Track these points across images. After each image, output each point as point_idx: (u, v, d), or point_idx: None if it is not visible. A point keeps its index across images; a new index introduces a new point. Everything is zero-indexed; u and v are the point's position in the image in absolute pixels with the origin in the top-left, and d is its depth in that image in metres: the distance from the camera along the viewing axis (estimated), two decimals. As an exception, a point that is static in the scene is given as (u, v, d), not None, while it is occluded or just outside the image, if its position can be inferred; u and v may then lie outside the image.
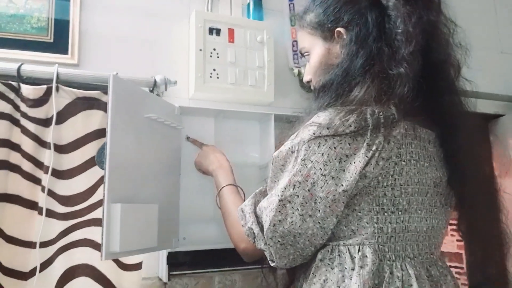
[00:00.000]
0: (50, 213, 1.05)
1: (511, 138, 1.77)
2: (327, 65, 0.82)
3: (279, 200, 0.69)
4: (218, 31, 1.32)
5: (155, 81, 1.20)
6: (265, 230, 0.71)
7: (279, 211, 0.69)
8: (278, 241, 0.71)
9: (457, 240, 2.82)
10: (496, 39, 1.89)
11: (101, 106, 1.13)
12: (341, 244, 0.71)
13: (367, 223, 0.70)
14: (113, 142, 0.88)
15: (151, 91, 1.19)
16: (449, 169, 0.77)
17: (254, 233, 0.75)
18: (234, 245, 0.83)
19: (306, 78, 0.91)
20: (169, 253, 1.13)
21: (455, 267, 2.86)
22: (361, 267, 0.67)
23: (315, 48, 0.86)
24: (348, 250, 0.70)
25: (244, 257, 0.84)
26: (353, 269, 0.68)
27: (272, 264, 0.74)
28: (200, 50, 1.29)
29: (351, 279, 0.67)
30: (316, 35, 0.86)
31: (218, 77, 1.30)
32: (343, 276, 0.69)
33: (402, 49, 0.71)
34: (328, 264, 0.71)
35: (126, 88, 0.96)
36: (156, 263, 1.19)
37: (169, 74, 1.23)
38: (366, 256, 0.68)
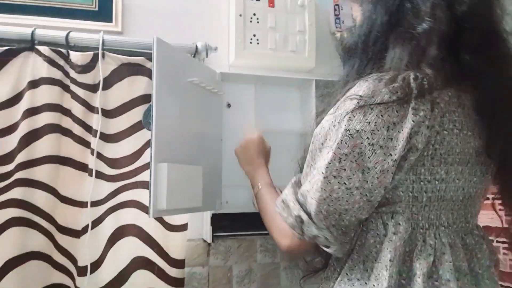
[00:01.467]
0: (100, 175, 1.10)
1: None
2: (355, 27, 0.79)
3: (324, 177, 0.65)
4: (258, -4, 1.30)
5: (197, 47, 1.21)
6: (313, 214, 0.67)
7: (324, 189, 0.65)
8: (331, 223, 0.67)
9: (506, 215, 2.71)
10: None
11: (145, 72, 1.15)
12: (375, 211, 0.69)
13: (402, 192, 0.67)
14: (159, 104, 0.90)
15: (193, 57, 1.20)
16: (488, 138, 0.71)
17: (302, 220, 0.69)
18: (277, 243, 0.78)
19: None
20: (213, 215, 1.16)
21: (503, 242, 2.77)
22: (394, 233, 0.66)
23: (356, 14, 0.82)
24: (381, 217, 0.68)
25: (289, 255, 0.82)
26: (385, 235, 0.67)
27: (330, 251, 0.70)
28: (240, 15, 1.28)
29: (382, 245, 0.66)
30: (355, 1, 0.83)
31: (258, 43, 1.29)
32: (374, 241, 0.68)
33: (423, 2, 0.67)
34: (363, 229, 0.70)
35: (169, 51, 0.97)
36: (200, 226, 1.23)
37: (210, 40, 1.24)
38: (399, 224, 0.67)
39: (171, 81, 0.96)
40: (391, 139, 0.63)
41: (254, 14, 1.29)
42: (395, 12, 0.70)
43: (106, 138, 1.11)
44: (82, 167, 1.10)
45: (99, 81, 1.11)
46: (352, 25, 0.86)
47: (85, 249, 1.05)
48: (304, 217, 0.69)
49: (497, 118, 0.71)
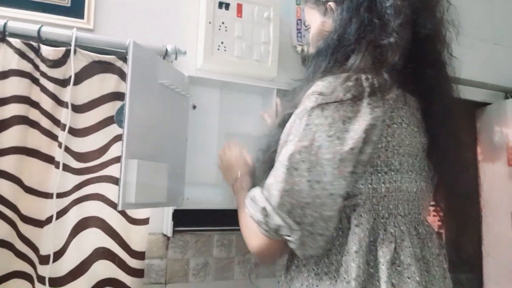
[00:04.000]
0: (66, 168, 1.13)
1: (496, 126, 1.88)
2: (322, 35, 0.88)
3: (286, 169, 0.68)
4: (227, 6, 1.38)
5: (167, 50, 1.26)
6: (276, 204, 0.69)
7: (286, 181, 0.68)
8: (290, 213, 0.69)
9: (438, 220, 2.98)
10: (491, 30, 1.97)
11: (116, 70, 1.20)
12: None
13: (362, 185, 0.73)
14: (131, 104, 0.95)
15: (162, 59, 1.26)
16: (429, 139, 0.82)
17: (267, 212, 0.70)
18: (249, 246, 0.78)
19: (310, 50, 0.97)
20: (175, 210, 1.22)
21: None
22: (356, 225, 0.71)
23: (313, 21, 0.93)
24: (344, 211, 0.73)
25: (259, 257, 0.79)
26: (349, 229, 0.72)
27: (293, 246, 0.71)
28: (210, 22, 1.35)
29: (347, 238, 0.72)
30: (315, 9, 0.92)
31: (225, 50, 1.37)
32: (337, 235, 0.73)
33: (392, 21, 0.77)
34: None
35: (143, 54, 1.03)
36: (160, 220, 1.29)
37: (179, 44, 1.30)
38: (361, 216, 0.72)
39: (144, 82, 1.02)
40: (347, 131, 0.69)
41: (223, 23, 1.37)
42: (365, 25, 0.79)
43: (74, 132, 1.15)
44: (48, 159, 1.12)
45: (70, 76, 1.14)
46: (306, 28, 0.95)
47: (49, 239, 1.08)
48: (268, 208, 0.70)
49: (437, 127, 0.82)
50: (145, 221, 1.20)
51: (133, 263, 1.18)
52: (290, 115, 0.76)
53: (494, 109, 1.89)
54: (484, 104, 1.92)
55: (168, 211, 1.24)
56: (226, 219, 1.27)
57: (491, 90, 1.88)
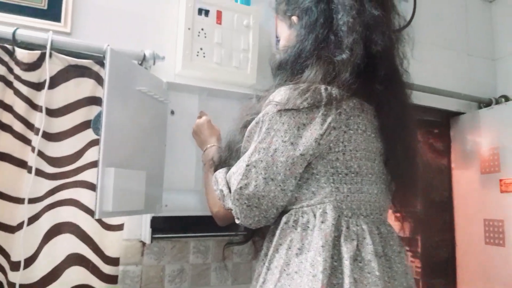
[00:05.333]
0: (39, 173, 1.11)
1: (469, 135, 1.93)
2: (286, 47, 0.94)
3: (246, 165, 0.79)
4: (206, 12, 1.38)
5: (144, 55, 1.26)
6: (232, 192, 0.81)
7: (245, 175, 0.79)
8: (245, 202, 0.80)
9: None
10: (464, 41, 2.03)
11: (92, 75, 1.19)
12: (304, 205, 0.80)
13: (325, 184, 0.79)
14: (109, 111, 0.95)
15: (140, 64, 1.26)
16: (385, 145, 0.87)
17: (224, 194, 0.85)
18: (209, 209, 0.94)
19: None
20: (153, 217, 1.22)
21: (411, 250, 3.08)
22: (322, 222, 0.77)
23: (282, 34, 1.00)
24: (312, 210, 0.79)
25: (216, 220, 0.93)
26: (314, 226, 0.77)
27: (238, 222, 0.84)
28: (189, 29, 1.35)
29: (313, 234, 0.76)
30: (283, 22, 0.99)
31: (204, 56, 1.37)
32: (306, 233, 0.78)
33: (345, 38, 0.83)
34: (293, 225, 0.80)
35: (120, 60, 1.02)
36: (137, 226, 1.28)
37: (157, 49, 1.29)
38: (326, 213, 0.78)
39: (121, 89, 1.02)
40: (301, 137, 0.78)
41: (202, 29, 1.37)
42: (322, 41, 0.86)
43: (48, 136, 1.13)
44: (21, 163, 1.10)
45: (45, 80, 1.12)
46: (276, 40, 1.01)
47: (20, 245, 1.06)
48: (226, 192, 0.85)
49: (392, 137, 0.87)
50: (119, 227, 1.19)
51: (107, 269, 1.16)
52: (252, 120, 0.85)
53: (467, 118, 1.95)
54: (458, 114, 1.97)
55: (146, 218, 1.23)
56: (204, 225, 1.27)
57: (465, 100, 1.93)
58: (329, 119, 0.78)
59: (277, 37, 1.05)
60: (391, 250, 0.83)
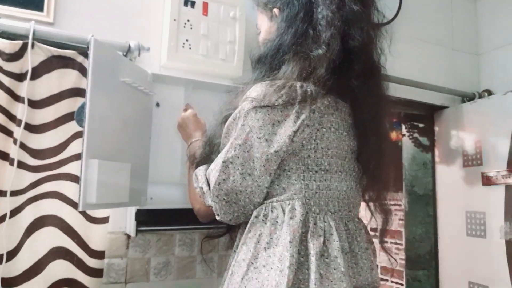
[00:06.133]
0: (21, 165, 1.09)
1: (453, 129, 1.96)
2: (267, 40, 0.93)
3: (223, 162, 0.80)
4: (192, 3, 1.37)
5: (129, 46, 1.24)
6: (211, 188, 0.81)
7: (223, 171, 0.80)
8: (224, 198, 0.81)
9: (399, 219, 3.08)
10: (449, 36, 2.06)
11: (76, 66, 1.17)
12: (274, 201, 0.81)
13: (295, 180, 0.81)
14: (92, 103, 0.94)
15: (124, 55, 1.24)
16: (358, 142, 0.89)
17: (204, 191, 0.85)
18: (192, 206, 0.94)
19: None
20: (137, 210, 1.20)
21: (396, 243, 3.13)
22: (290, 218, 0.78)
23: (262, 26, 0.99)
24: (281, 205, 0.80)
25: (198, 217, 0.94)
26: (283, 221, 0.78)
27: (218, 218, 0.84)
28: (174, 20, 1.34)
29: (281, 230, 0.78)
30: (264, 14, 0.98)
31: (190, 48, 1.36)
32: (275, 228, 0.79)
33: (323, 32, 0.83)
34: (262, 220, 0.81)
35: (104, 51, 1.01)
36: (122, 219, 1.27)
37: (142, 40, 1.28)
38: (295, 209, 0.79)
39: (105, 81, 1.00)
40: (275, 133, 0.79)
41: (188, 20, 1.36)
42: (301, 35, 0.85)
43: (31, 128, 1.11)
44: (2, 156, 1.08)
45: (27, 71, 1.10)
46: (257, 32, 1.00)
47: (2, 238, 1.04)
48: (205, 189, 0.84)
49: (366, 132, 0.89)
50: (105, 220, 1.18)
51: (92, 262, 1.16)
52: (229, 115, 0.85)
53: (451, 112, 1.97)
54: (442, 108, 2.00)
55: (131, 211, 1.22)
56: (190, 218, 1.26)
57: (449, 94, 1.96)
58: (302, 117, 0.79)
59: (257, 29, 1.03)
60: (358, 247, 0.85)
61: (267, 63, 0.88)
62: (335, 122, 0.84)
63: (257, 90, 0.81)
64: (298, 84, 0.80)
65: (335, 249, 0.78)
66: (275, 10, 0.93)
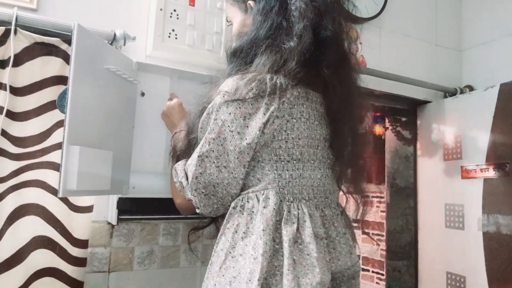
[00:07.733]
0: (3, 152, 1.08)
1: (434, 123, 2.00)
2: (242, 33, 0.93)
3: (198, 156, 0.82)
4: (180, -7, 1.36)
5: (115, 34, 1.23)
6: (189, 182, 0.84)
7: (199, 165, 0.82)
8: (202, 191, 0.83)
9: (381, 211, 3.13)
10: (433, 32, 2.09)
11: (60, 53, 1.16)
12: (250, 191, 0.83)
13: (269, 171, 0.83)
14: (74, 89, 0.93)
15: (110, 44, 1.23)
16: (331, 131, 0.90)
17: (183, 186, 0.86)
18: (174, 201, 0.95)
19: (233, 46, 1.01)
20: (119, 198, 1.20)
21: (378, 234, 3.19)
22: (264, 207, 0.80)
23: (235, 18, 0.99)
24: (256, 196, 0.82)
25: (180, 210, 0.95)
26: (258, 211, 0.80)
27: (198, 211, 0.86)
28: (161, 9, 1.33)
29: (256, 219, 0.79)
30: (235, 6, 0.98)
31: (176, 38, 1.35)
32: (251, 218, 0.81)
33: (296, 24, 0.84)
34: (240, 210, 0.83)
35: (88, 38, 1.00)
36: (105, 208, 1.27)
37: (128, 29, 1.27)
38: (269, 198, 0.81)
39: (88, 67, 0.99)
40: (247, 126, 0.80)
41: (175, 10, 1.35)
42: (276, 28, 0.86)
43: (13, 116, 1.10)
44: (-17, 143, 1.07)
45: (9, 58, 1.08)
46: (228, 24, 1.00)
47: (-17, 226, 1.04)
48: (184, 183, 0.86)
49: (337, 120, 0.90)
50: (88, 209, 1.18)
51: (75, 251, 1.15)
52: (204, 109, 0.86)
53: (433, 107, 2.01)
54: (425, 102, 2.03)
55: (113, 199, 1.22)
56: (173, 207, 1.27)
57: (431, 89, 1.99)
58: (272, 108, 0.80)
59: (227, 21, 1.02)
60: (336, 232, 0.87)
61: (242, 56, 0.88)
62: (306, 112, 0.85)
63: (228, 84, 0.82)
64: (268, 76, 0.81)
65: (307, 235, 0.80)
66: (250, 2, 0.93)
